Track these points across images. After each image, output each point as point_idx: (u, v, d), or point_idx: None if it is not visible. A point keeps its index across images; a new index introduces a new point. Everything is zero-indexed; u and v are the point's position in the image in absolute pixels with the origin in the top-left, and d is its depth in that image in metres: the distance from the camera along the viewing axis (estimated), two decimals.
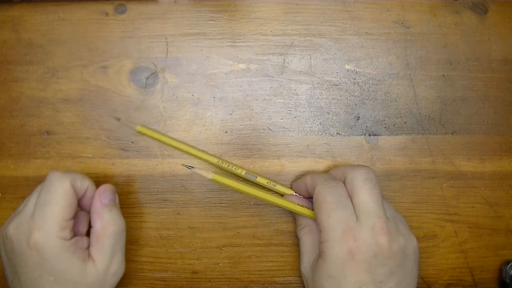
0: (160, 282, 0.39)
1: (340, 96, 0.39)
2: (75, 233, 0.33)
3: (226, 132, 0.38)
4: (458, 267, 0.39)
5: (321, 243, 0.32)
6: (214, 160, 0.37)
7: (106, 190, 0.34)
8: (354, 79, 0.39)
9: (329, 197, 0.32)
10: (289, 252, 0.39)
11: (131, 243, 0.38)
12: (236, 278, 0.39)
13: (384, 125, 0.39)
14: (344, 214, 0.31)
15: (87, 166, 0.38)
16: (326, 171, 0.37)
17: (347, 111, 0.39)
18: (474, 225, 0.39)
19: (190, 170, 0.35)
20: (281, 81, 0.38)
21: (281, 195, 0.37)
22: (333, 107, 0.39)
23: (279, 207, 0.37)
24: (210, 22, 0.39)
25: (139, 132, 0.37)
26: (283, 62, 0.39)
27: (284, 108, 0.38)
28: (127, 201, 0.38)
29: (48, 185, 0.32)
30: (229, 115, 0.38)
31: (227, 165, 0.37)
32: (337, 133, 0.39)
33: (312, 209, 0.34)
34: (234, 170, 0.37)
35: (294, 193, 0.37)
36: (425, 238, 0.39)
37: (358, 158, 0.38)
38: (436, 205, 0.39)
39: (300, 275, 0.38)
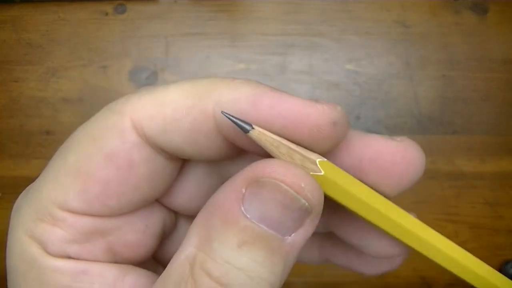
0: None
1: (340, 96, 0.39)
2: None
3: None
4: None
5: None
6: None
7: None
8: (354, 79, 0.39)
9: None
10: None
11: None
12: None
13: (384, 125, 0.39)
14: None
15: None
16: None
17: (347, 111, 0.39)
18: (475, 225, 0.39)
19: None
20: (281, 81, 0.38)
21: None
22: None
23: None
24: (210, 22, 0.39)
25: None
26: (283, 62, 0.39)
27: None
28: None
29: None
30: None
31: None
32: None
33: None
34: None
35: None
36: None
37: None
38: (436, 205, 0.39)
39: (300, 275, 0.38)
